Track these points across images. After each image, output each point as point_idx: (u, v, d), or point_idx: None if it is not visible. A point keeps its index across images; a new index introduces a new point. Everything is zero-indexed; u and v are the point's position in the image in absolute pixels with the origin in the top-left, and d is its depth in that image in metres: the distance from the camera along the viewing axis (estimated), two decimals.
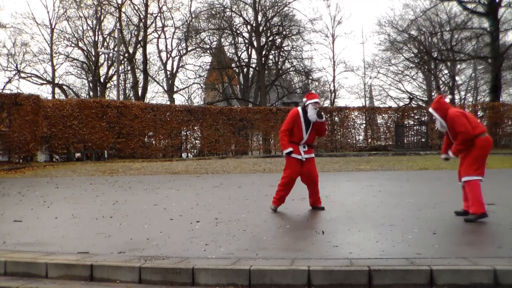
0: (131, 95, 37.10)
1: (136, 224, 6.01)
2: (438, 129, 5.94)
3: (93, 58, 37.02)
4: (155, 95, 49.50)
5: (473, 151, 5.57)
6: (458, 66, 39.88)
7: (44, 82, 37.29)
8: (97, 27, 36.74)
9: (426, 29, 35.38)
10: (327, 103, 42.10)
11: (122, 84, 35.11)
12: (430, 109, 5.92)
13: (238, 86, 39.42)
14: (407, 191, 8.47)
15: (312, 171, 6.57)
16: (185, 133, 23.83)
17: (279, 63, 37.50)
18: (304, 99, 6.63)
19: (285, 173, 6.52)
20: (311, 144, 6.64)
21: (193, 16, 36.16)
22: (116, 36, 34.42)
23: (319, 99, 6.64)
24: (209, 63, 38.27)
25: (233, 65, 38.37)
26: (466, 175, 5.58)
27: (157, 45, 39.28)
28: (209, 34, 36.54)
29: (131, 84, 37.50)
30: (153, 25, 36.54)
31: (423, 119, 25.52)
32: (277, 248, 4.50)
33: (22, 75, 36.21)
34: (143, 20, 35.23)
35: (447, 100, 5.91)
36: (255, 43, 35.07)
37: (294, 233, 5.13)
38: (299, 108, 6.61)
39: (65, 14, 36.19)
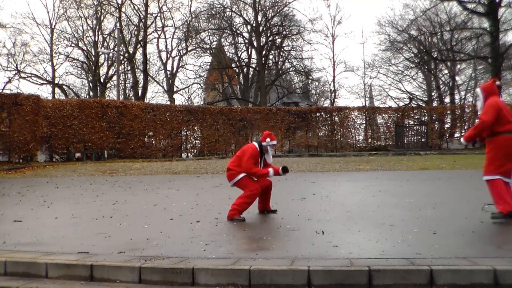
0: (131, 95, 37.09)
1: (136, 224, 6.01)
2: (478, 111, 5.81)
3: (93, 58, 37.02)
4: (155, 95, 49.59)
5: (492, 148, 5.46)
6: (458, 66, 39.89)
7: (44, 82, 37.31)
8: (97, 27, 36.76)
9: (426, 29, 35.40)
10: (327, 103, 42.16)
11: (122, 84, 35.08)
12: (477, 89, 5.81)
13: (238, 86, 39.41)
14: (407, 191, 8.46)
15: (269, 181, 6.49)
16: (185, 133, 23.82)
17: (279, 63, 37.51)
18: (261, 138, 6.47)
19: (251, 187, 6.23)
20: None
21: (193, 16, 36.21)
22: (116, 36, 34.42)
23: (275, 140, 6.51)
24: (209, 63, 38.27)
25: (233, 65, 38.37)
26: (485, 174, 5.48)
27: (157, 45, 39.31)
28: (209, 34, 36.58)
29: (131, 84, 37.50)
30: (153, 25, 36.59)
31: (423, 119, 25.51)
32: (277, 248, 4.50)
33: (22, 75, 36.24)
34: (143, 20, 35.23)
35: (497, 83, 5.77)
36: (255, 43, 35.07)
37: (294, 233, 5.13)
38: (255, 144, 6.41)
39: (65, 14, 36.22)
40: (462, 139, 5.84)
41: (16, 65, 35.74)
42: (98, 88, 36.50)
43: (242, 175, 6.28)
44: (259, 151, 6.35)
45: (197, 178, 12.19)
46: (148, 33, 35.76)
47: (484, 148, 5.75)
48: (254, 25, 35.03)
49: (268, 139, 6.35)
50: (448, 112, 27.18)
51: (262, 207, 6.64)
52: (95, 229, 5.68)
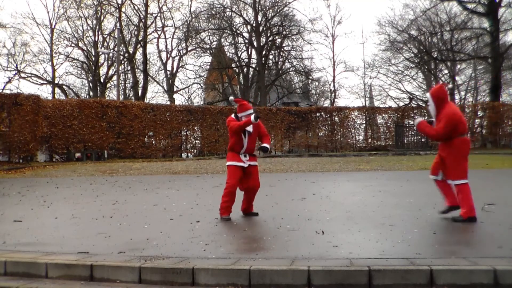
0: (131, 95, 37.09)
1: (136, 224, 6.01)
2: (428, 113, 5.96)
3: (93, 58, 37.02)
4: (155, 95, 49.58)
5: (453, 152, 5.54)
6: (458, 66, 39.89)
7: (44, 82, 37.30)
8: (97, 27, 36.76)
9: (426, 29, 35.39)
10: (327, 103, 42.16)
11: (122, 84, 35.08)
12: (428, 94, 5.86)
13: (238, 86, 39.40)
14: (407, 191, 8.46)
15: (255, 180, 6.32)
16: (185, 133, 23.83)
17: (279, 63, 37.50)
18: (234, 106, 6.35)
19: (227, 183, 6.22)
20: (252, 153, 6.39)
21: (193, 16, 36.20)
22: (116, 36, 34.42)
23: (251, 109, 6.37)
24: (209, 63, 38.26)
25: (233, 65, 38.36)
26: (455, 178, 5.55)
27: (157, 45, 39.30)
28: (209, 34, 36.56)
29: (131, 84, 37.50)
30: (153, 25, 36.59)
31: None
32: (277, 248, 4.50)
33: (22, 75, 36.23)
34: (143, 20, 35.24)
35: (447, 89, 5.85)
36: (255, 43, 35.06)
37: (294, 233, 5.13)
38: (233, 116, 6.34)
39: (65, 14, 36.23)
40: (416, 121, 5.96)
41: (16, 65, 35.78)
42: (98, 88, 36.50)
43: (227, 163, 6.34)
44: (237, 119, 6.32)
45: (197, 178, 12.19)
46: (148, 33, 35.77)
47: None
48: (254, 25, 35.03)
49: (242, 113, 6.26)
50: None
51: (244, 208, 6.48)
52: (95, 229, 5.68)
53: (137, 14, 35.58)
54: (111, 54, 34.21)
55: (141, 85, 36.99)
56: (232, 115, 6.38)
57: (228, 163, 6.35)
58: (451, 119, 5.48)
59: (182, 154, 24.05)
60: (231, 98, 6.84)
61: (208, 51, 37.45)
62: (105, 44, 37.29)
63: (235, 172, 6.24)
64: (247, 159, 6.31)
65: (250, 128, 6.28)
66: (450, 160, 5.55)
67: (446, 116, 5.50)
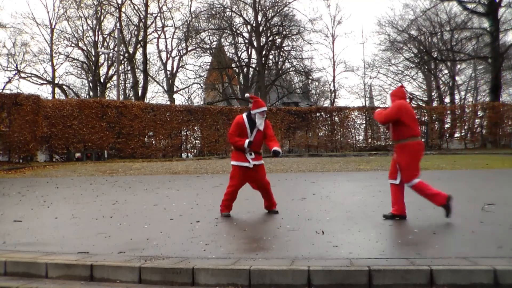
0: (131, 95, 37.10)
1: (136, 224, 6.01)
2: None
3: (93, 58, 37.03)
4: (155, 95, 49.64)
5: (404, 155, 5.66)
6: (458, 66, 39.91)
7: (44, 82, 37.31)
8: (97, 27, 36.77)
9: (426, 29, 35.41)
10: (327, 103, 42.16)
11: (122, 84, 35.09)
12: (388, 94, 6.04)
13: (238, 86, 39.40)
14: (407, 191, 8.44)
15: (262, 179, 6.38)
16: (185, 133, 23.82)
17: (279, 63, 37.50)
18: (249, 101, 6.50)
19: (231, 183, 6.32)
20: (258, 151, 6.41)
21: (193, 16, 36.21)
22: (116, 36, 34.42)
23: (265, 106, 6.42)
24: (209, 63, 38.27)
25: (233, 65, 38.37)
26: (408, 180, 5.68)
27: (157, 45, 39.35)
28: (209, 34, 36.57)
29: (131, 84, 37.50)
30: (153, 25, 36.61)
31: (423, 119, 25.51)
32: (277, 248, 4.50)
33: (22, 75, 36.26)
34: (143, 20, 35.24)
35: (407, 93, 6.08)
36: (255, 43, 35.06)
37: (294, 233, 5.13)
38: (244, 115, 6.38)
39: (65, 14, 36.25)
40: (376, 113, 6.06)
41: (16, 65, 35.80)
42: (98, 88, 36.50)
43: (232, 162, 6.42)
44: (246, 120, 6.30)
45: (197, 178, 12.19)
46: (148, 33, 35.77)
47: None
48: (254, 25, 35.03)
49: (256, 109, 6.31)
50: (448, 112, 27.18)
51: (265, 205, 6.64)
52: (95, 229, 5.67)
53: (137, 14, 35.63)
54: (111, 54, 34.21)
55: (141, 85, 37.01)
56: (244, 114, 6.40)
57: (233, 162, 6.40)
58: (398, 105, 5.68)
59: (182, 154, 24.05)
60: (247, 95, 7.00)
61: (208, 51, 37.47)
62: (105, 44, 37.30)
63: (238, 173, 6.30)
64: (252, 157, 6.31)
65: (261, 126, 6.32)
66: (406, 160, 5.68)
67: (393, 104, 5.74)
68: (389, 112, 5.72)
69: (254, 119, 6.31)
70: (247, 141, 6.19)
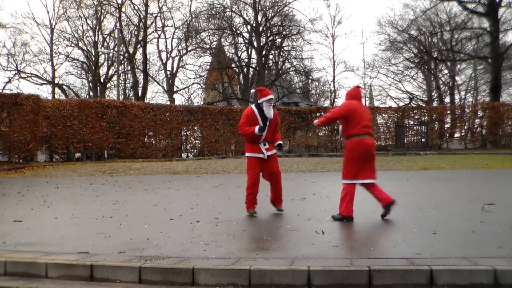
0: (131, 95, 37.10)
1: (136, 224, 6.01)
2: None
3: (93, 58, 37.04)
4: (155, 95, 49.72)
5: (345, 152, 5.83)
6: (458, 66, 39.91)
7: (44, 82, 37.33)
8: (97, 27, 36.77)
9: (426, 29, 35.41)
10: (327, 103, 42.17)
11: (122, 84, 35.09)
12: (345, 93, 6.20)
13: (238, 86, 39.41)
14: (407, 191, 8.46)
15: (275, 168, 6.46)
16: (185, 133, 23.82)
17: (279, 63, 37.50)
18: (256, 95, 6.57)
19: (249, 174, 6.42)
20: (270, 141, 6.53)
21: (193, 16, 36.21)
22: (116, 36, 34.44)
23: (272, 94, 6.48)
24: (209, 63, 38.27)
25: (233, 65, 38.36)
26: (342, 178, 5.83)
27: (157, 45, 39.41)
28: (209, 34, 36.56)
29: (131, 84, 37.51)
30: (153, 25, 36.61)
31: (423, 119, 25.52)
32: (277, 248, 4.50)
33: (22, 75, 36.27)
34: (143, 20, 35.24)
35: (361, 90, 6.11)
36: (255, 43, 35.05)
37: (294, 233, 5.13)
38: (253, 106, 6.47)
39: (65, 14, 36.27)
40: (314, 121, 6.12)
41: (16, 65, 35.81)
42: (98, 88, 36.50)
43: (247, 154, 6.51)
44: (256, 110, 6.40)
45: (197, 178, 12.19)
46: (148, 33, 35.77)
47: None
48: (254, 25, 35.02)
49: (263, 98, 6.40)
50: (448, 112, 27.18)
51: (271, 199, 6.66)
52: (95, 229, 5.67)
53: (137, 14, 35.63)
54: (111, 54, 34.21)
55: (141, 85, 37.01)
56: (253, 105, 6.50)
57: (248, 154, 6.51)
58: (346, 104, 5.81)
59: (182, 154, 24.05)
60: (252, 90, 7.09)
61: (208, 51, 37.47)
62: (105, 44, 37.31)
63: (254, 162, 6.41)
64: (266, 147, 6.43)
65: (269, 114, 6.38)
66: (344, 159, 5.87)
67: (344, 103, 5.90)
68: (336, 110, 5.88)
69: (262, 108, 6.40)
70: (257, 127, 6.26)
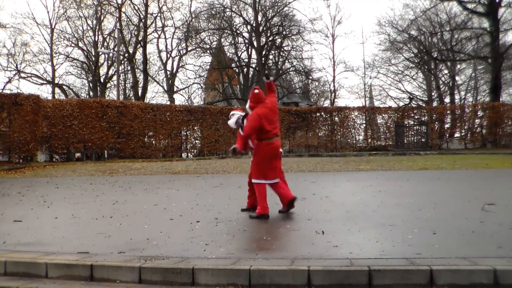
0: (131, 95, 37.10)
1: (136, 224, 6.01)
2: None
3: (93, 58, 37.03)
4: (155, 95, 49.66)
5: (256, 153, 6.05)
6: (458, 66, 39.91)
7: (44, 82, 37.32)
8: (97, 27, 36.77)
9: (426, 29, 35.41)
10: (327, 103, 42.18)
11: (122, 84, 35.11)
12: (249, 96, 6.24)
13: (238, 86, 39.41)
14: (407, 191, 8.46)
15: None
16: (185, 133, 23.82)
17: (279, 63, 37.50)
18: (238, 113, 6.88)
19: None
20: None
21: (193, 16, 36.21)
22: (116, 36, 34.44)
23: (241, 112, 6.86)
24: (209, 63, 38.27)
25: (233, 65, 38.37)
26: (253, 177, 6.14)
27: (157, 45, 39.38)
28: (209, 34, 36.57)
29: (131, 84, 37.50)
30: (153, 25, 36.60)
31: (423, 119, 25.52)
32: (277, 248, 4.50)
33: (22, 75, 36.27)
34: (143, 20, 35.23)
35: (256, 91, 6.12)
36: (255, 43, 35.06)
37: (294, 233, 5.13)
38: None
39: (65, 14, 36.25)
40: (235, 147, 6.18)
41: (16, 65, 35.81)
42: (98, 88, 36.50)
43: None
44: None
45: (197, 178, 12.18)
46: (148, 33, 35.77)
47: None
48: (254, 25, 35.02)
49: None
50: (448, 112, 27.19)
51: (249, 203, 6.78)
52: (95, 229, 5.67)
53: (137, 14, 35.63)
54: (111, 54, 34.21)
55: (141, 85, 37.00)
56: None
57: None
58: (250, 118, 5.97)
59: (182, 154, 24.05)
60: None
61: (208, 51, 37.48)
62: (105, 44, 37.30)
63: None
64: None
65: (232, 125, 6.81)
66: (254, 160, 6.16)
67: (248, 116, 6.08)
68: (250, 125, 5.93)
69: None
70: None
